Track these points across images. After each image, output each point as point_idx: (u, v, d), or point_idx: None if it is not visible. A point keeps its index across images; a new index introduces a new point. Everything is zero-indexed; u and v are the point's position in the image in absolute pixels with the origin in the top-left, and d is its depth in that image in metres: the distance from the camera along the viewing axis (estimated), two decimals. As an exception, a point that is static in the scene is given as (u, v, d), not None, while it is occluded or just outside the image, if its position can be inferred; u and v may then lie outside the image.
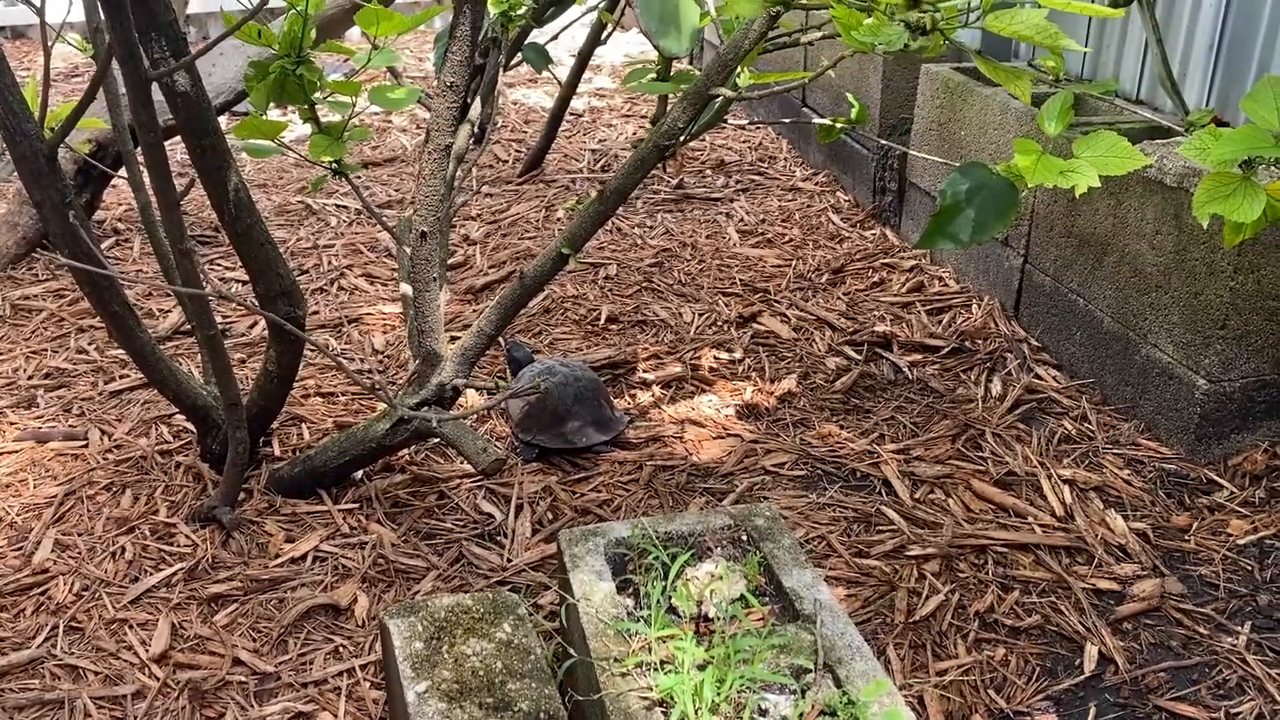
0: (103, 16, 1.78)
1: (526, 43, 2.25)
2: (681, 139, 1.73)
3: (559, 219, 3.66)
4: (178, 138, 2.49)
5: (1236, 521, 2.10)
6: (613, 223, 3.60)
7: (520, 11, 2.13)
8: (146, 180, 1.91)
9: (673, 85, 1.84)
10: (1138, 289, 2.36)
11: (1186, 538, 2.07)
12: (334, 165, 1.95)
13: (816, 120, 2.07)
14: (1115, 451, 2.32)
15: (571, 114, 4.67)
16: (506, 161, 4.23)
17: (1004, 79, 1.31)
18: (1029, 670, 1.78)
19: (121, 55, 1.50)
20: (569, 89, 3.90)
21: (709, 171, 4.09)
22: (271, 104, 1.91)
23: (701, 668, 1.30)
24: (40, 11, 1.93)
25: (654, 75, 1.99)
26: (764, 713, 1.26)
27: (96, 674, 1.79)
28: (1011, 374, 2.62)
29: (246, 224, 1.77)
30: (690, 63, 5.34)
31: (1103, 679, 1.76)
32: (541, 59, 2.30)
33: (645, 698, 1.28)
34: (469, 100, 1.97)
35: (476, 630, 1.44)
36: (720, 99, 1.77)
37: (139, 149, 2.06)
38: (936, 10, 0.81)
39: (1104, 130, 1.78)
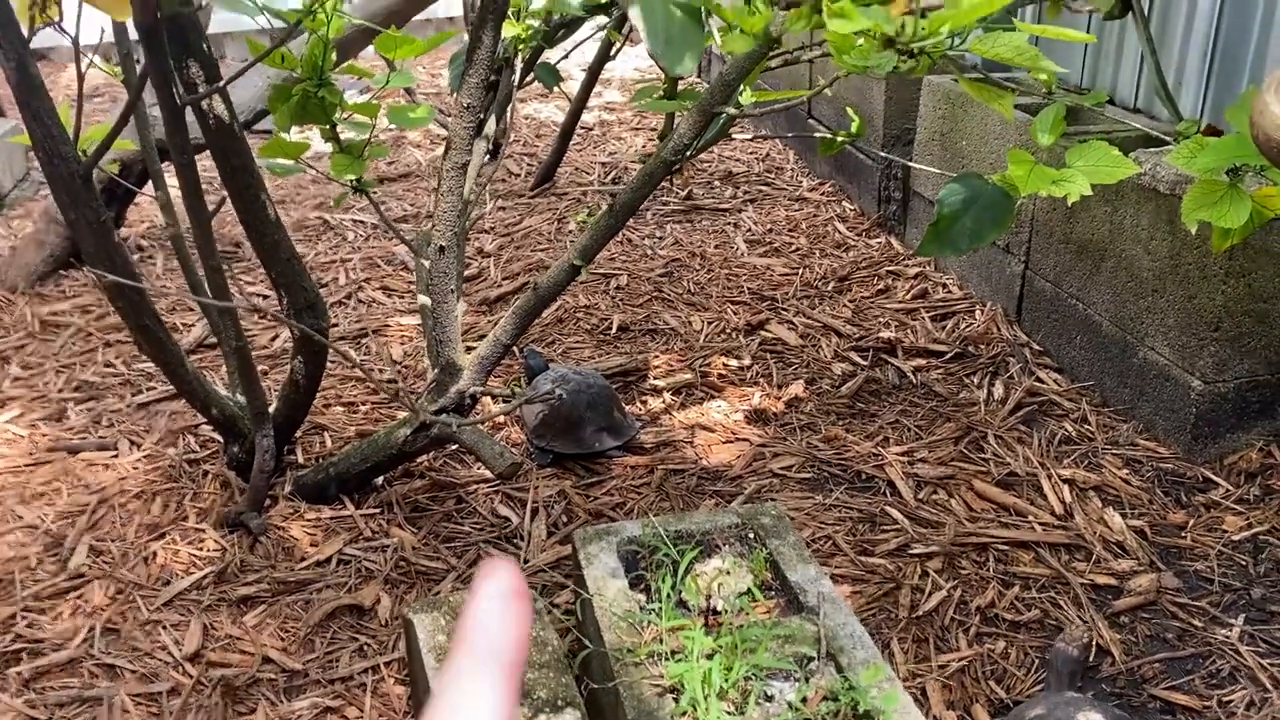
0: (139, 42, 1.87)
1: (539, 63, 2.33)
2: (687, 154, 1.81)
3: (570, 231, 3.74)
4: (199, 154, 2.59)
5: (1231, 518, 2.16)
6: (623, 234, 3.68)
7: (533, 35, 2.21)
8: (175, 197, 2.00)
9: (679, 104, 1.91)
10: (1134, 293, 2.43)
11: (1183, 534, 2.13)
12: (355, 183, 2.03)
13: (819, 134, 2.15)
14: (1114, 452, 2.38)
15: (582, 127, 4.75)
16: (519, 175, 4.32)
17: (987, 98, 1.38)
18: (1028, 662, 1.84)
19: (157, 80, 1.59)
20: (579, 104, 3.99)
21: (717, 183, 4.16)
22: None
23: (710, 656, 1.37)
24: (75, 38, 2.02)
25: (661, 93, 2.07)
26: (769, 698, 1.33)
27: (133, 672, 1.87)
28: (1013, 377, 2.68)
29: (274, 240, 1.85)
30: (699, 75, 5.43)
31: (1100, 670, 1.82)
32: (552, 77, 2.38)
33: (657, 685, 1.35)
34: (484, 118, 2.06)
35: (496, 624, 1.51)
36: (724, 116, 1.84)
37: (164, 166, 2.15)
38: (921, 41, 0.88)
39: (1096, 140, 1.85)
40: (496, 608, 0.32)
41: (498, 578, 0.32)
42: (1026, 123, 2.72)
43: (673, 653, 1.40)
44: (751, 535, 1.67)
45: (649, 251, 3.55)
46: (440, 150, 4.66)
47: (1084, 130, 2.70)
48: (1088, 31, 2.97)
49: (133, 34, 2.15)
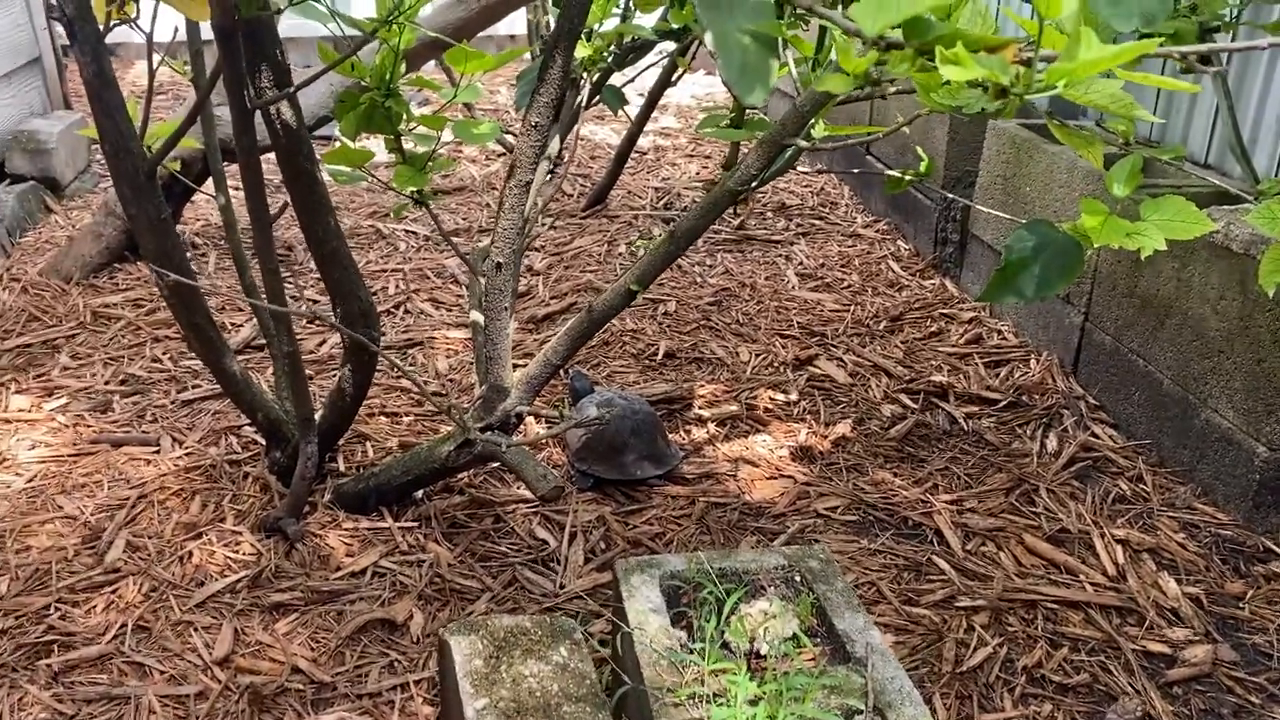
0: (208, 42, 1.87)
1: (605, 85, 2.33)
2: (753, 185, 1.78)
3: (621, 253, 3.72)
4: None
5: (1293, 592, 2.08)
6: (674, 260, 3.66)
7: (604, 57, 2.20)
8: (237, 198, 1.99)
9: (746, 133, 1.89)
10: (1199, 353, 2.36)
11: (1241, 605, 2.06)
12: (416, 195, 2.02)
13: (885, 171, 2.11)
14: (1170, 514, 2.31)
15: (636, 151, 4.75)
16: (571, 195, 4.32)
17: (1078, 145, 1.34)
18: (1076, 728, 1.78)
19: (230, 82, 1.58)
20: (637, 127, 3.98)
21: (770, 214, 4.14)
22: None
23: (754, 703, 1.33)
24: (149, 36, 2.03)
25: (728, 122, 2.04)
26: (814, 751, 1.29)
27: (162, 673, 1.86)
28: (1068, 431, 2.62)
29: (333, 247, 1.84)
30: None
31: (1150, 742, 1.76)
32: (618, 101, 2.37)
33: (697, 728, 1.31)
34: (549, 137, 2.05)
35: (534, 652, 1.48)
36: (792, 148, 1.81)
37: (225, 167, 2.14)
38: (1039, 93, 0.85)
39: (1172, 195, 1.80)
40: None
41: None
42: (1093, 173, 2.67)
43: (715, 695, 1.35)
44: (798, 578, 1.62)
45: (698, 279, 3.53)
46: (494, 165, 4.68)
47: (1153, 184, 2.64)
48: (1156, 92, 2.92)
49: (204, 34, 2.17)
